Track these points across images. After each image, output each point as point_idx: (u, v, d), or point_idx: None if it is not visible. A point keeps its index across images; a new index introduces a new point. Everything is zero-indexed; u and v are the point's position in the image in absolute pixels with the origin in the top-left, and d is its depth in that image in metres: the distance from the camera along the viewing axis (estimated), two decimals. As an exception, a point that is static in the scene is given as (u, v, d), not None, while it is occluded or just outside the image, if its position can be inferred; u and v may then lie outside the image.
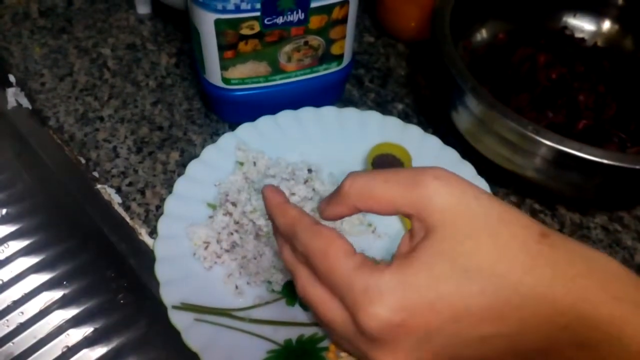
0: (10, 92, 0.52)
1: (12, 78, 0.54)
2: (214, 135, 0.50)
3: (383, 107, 0.53)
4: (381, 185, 0.27)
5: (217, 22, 0.41)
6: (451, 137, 0.47)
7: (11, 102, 0.52)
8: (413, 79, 0.56)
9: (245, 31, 0.42)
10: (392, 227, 0.43)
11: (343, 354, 0.36)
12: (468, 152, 0.46)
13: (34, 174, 0.52)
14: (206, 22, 0.41)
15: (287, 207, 0.30)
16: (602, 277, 0.24)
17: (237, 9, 0.40)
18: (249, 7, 0.40)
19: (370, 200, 0.28)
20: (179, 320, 0.36)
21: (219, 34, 0.41)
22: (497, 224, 0.25)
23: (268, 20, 0.41)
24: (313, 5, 0.42)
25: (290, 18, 0.42)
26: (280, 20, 0.42)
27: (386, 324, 0.24)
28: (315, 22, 0.43)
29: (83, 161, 0.48)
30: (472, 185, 0.26)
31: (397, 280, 0.25)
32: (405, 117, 0.52)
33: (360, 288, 0.25)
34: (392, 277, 0.25)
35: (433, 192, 0.26)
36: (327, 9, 0.42)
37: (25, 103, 0.52)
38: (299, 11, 0.42)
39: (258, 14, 0.41)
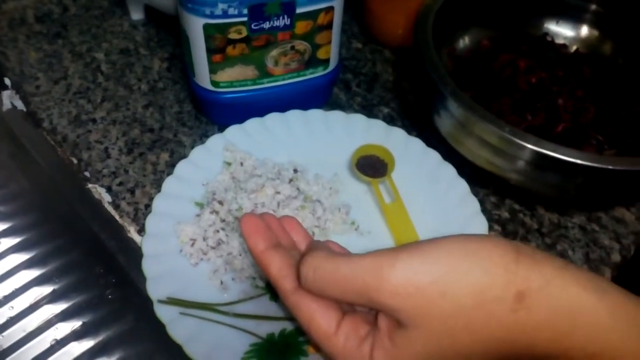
0: (6, 94, 0.54)
1: (7, 81, 0.55)
2: (203, 137, 0.51)
3: (369, 111, 0.55)
4: (338, 293, 0.28)
5: (206, 27, 0.42)
6: (434, 139, 0.48)
7: (6, 104, 0.53)
8: (399, 84, 0.58)
9: (233, 35, 0.43)
10: (375, 225, 0.44)
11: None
12: (450, 154, 0.47)
13: (27, 173, 0.53)
14: (195, 26, 0.42)
15: (268, 265, 0.31)
16: (585, 333, 0.24)
17: (225, 14, 0.41)
18: (236, 12, 0.42)
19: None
20: (165, 313, 0.37)
21: (208, 38, 0.43)
22: (472, 310, 0.25)
23: (255, 25, 0.43)
24: (299, 11, 0.43)
25: (276, 23, 0.43)
26: (266, 25, 0.43)
27: None
28: (301, 27, 0.44)
29: (75, 161, 0.49)
30: (434, 279, 0.25)
31: None
32: (391, 121, 0.54)
33: None
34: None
35: (395, 307, 0.26)
36: (312, 15, 0.44)
37: (20, 105, 0.53)
38: (285, 17, 0.43)
39: (245, 19, 0.42)
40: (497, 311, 0.25)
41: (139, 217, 0.45)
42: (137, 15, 0.62)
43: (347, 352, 0.28)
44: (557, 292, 0.24)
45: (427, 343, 0.26)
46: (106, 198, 0.46)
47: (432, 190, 0.46)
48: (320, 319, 0.29)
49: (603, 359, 0.24)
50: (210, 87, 0.47)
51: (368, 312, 0.30)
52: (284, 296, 0.31)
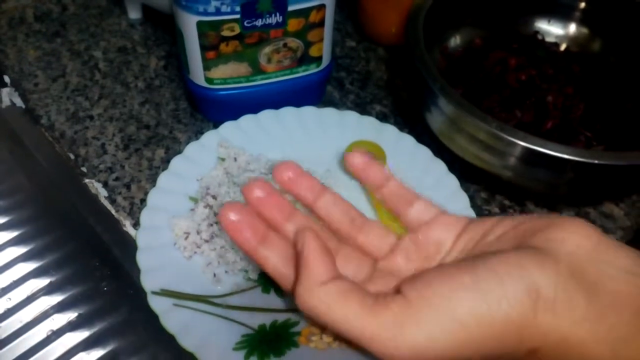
0: (5, 92, 0.55)
1: (6, 79, 0.56)
2: (198, 134, 0.52)
3: (362, 108, 0.55)
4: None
5: (199, 24, 0.43)
6: (426, 136, 0.49)
7: (5, 101, 0.54)
8: (392, 82, 0.58)
9: (226, 33, 0.44)
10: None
11: (314, 338, 0.37)
12: (441, 150, 0.48)
13: (25, 169, 0.54)
14: (189, 24, 0.43)
15: (263, 264, 0.30)
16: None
17: (218, 12, 0.42)
18: (229, 9, 0.42)
19: None
20: (158, 305, 0.37)
21: (201, 35, 0.44)
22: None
23: (247, 23, 0.44)
24: (290, 8, 0.44)
25: (269, 20, 0.44)
26: (259, 22, 0.44)
27: None
28: (293, 24, 0.45)
29: (72, 157, 0.50)
30: (441, 352, 0.25)
31: None
32: (384, 118, 0.54)
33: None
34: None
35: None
36: (304, 12, 0.45)
37: (19, 102, 0.54)
38: (277, 14, 0.44)
39: (238, 16, 0.43)
40: None
41: (135, 212, 0.46)
42: (134, 14, 0.63)
43: None
44: (570, 349, 0.25)
45: None
46: (102, 193, 0.47)
47: (423, 186, 0.46)
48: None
49: None
50: (204, 84, 0.48)
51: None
52: (287, 292, 0.30)
